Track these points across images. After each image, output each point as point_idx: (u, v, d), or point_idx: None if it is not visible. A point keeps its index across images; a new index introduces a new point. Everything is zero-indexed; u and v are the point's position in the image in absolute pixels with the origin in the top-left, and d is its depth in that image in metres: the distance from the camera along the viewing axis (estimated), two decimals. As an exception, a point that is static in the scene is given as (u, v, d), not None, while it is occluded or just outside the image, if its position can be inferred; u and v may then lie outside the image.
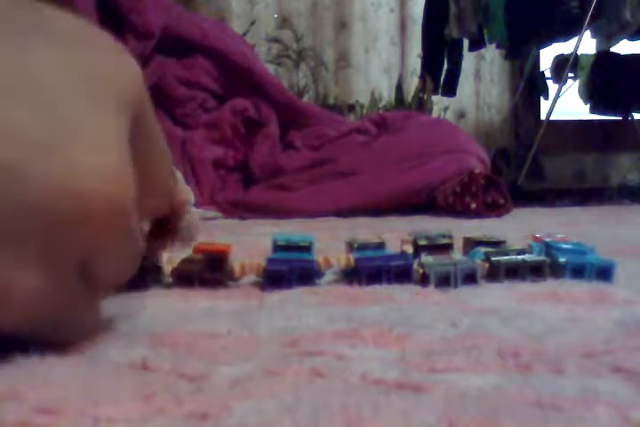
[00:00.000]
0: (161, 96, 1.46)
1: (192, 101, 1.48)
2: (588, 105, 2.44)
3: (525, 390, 0.20)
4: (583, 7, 2.13)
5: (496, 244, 0.45)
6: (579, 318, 0.30)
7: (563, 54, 2.42)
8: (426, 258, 0.42)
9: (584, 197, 1.91)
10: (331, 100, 2.46)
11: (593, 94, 2.38)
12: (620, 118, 2.52)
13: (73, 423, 0.17)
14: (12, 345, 0.24)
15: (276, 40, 2.49)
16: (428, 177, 1.32)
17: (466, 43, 2.49)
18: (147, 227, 0.38)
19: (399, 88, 2.47)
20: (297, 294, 0.37)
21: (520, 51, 2.40)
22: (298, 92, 2.35)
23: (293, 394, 0.19)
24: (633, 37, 2.29)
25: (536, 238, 0.48)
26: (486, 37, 2.38)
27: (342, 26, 2.66)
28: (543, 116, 2.47)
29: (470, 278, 0.40)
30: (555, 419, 0.17)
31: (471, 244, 0.46)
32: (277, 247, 0.44)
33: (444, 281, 0.39)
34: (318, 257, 0.42)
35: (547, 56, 2.59)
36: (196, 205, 1.32)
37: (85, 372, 0.22)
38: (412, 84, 2.59)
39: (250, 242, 0.69)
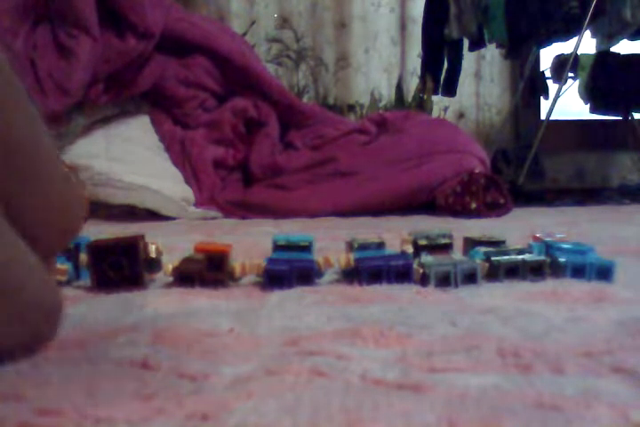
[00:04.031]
0: (161, 96, 1.46)
1: (192, 101, 1.48)
2: (588, 105, 2.44)
3: (525, 390, 0.20)
4: (583, 7, 2.13)
5: (496, 244, 0.45)
6: (579, 318, 0.30)
7: (563, 54, 2.41)
8: (426, 258, 0.42)
9: (584, 196, 1.91)
10: (331, 101, 2.45)
11: (593, 94, 2.37)
12: (620, 118, 2.52)
13: (74, 424, 0.17)
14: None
15: (276, 40, 2.49)
16: (428, 177, 1.32)
17: (466, 43, 2.49)
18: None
19: (399, 88, 2.46)
20: (297, 293, 0.37)
21: (520, 51, 2.40)
22: (298, 92, 2.35)
23: (293, 394, 0.19)
24: (633, 37, 2.28)
25: (536, 238, 0.48)
26: (486, 37, 2.38)
27: (342, 26, 2.66)
28: (543, 116, 2.47)
29: (470, 278, 0.40)
30: (555, 419, 0.17)
31: (471, 244, 0.46)
32: (277, 247, 0.44)
33: (444, 281, 0.39)
34: (318, 257, 0.42)
35: (547, 56, 2.58)
36: (196, 204, 1.32)
37: (86, 371, 0.22)
38: (412, 84, 2.58)
39: (250, 242, 0.69)
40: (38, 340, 0.23)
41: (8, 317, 0.21)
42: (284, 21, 2.58)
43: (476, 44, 2.46)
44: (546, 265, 0.41)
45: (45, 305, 0.24)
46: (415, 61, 2.68)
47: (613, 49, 2.38)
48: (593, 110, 2.45)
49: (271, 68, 2.30)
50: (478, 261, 0.41)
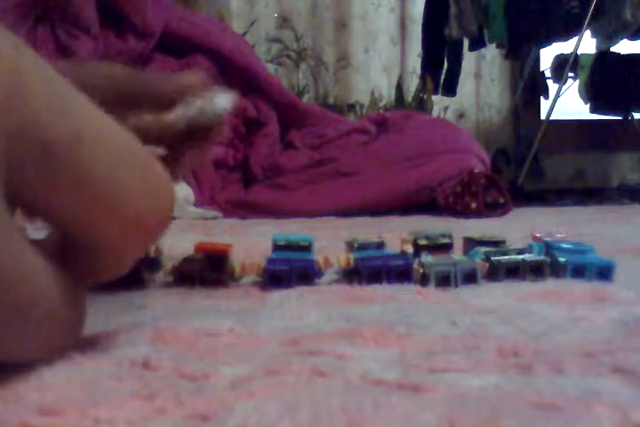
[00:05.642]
0: (161, 96, 1.46)
1: (192, 101, 1.48)
2: (588, 105, 2.44)
3: (525, 390, 0.20)
4: (583, 7, 2.13)
5: (496, 244, 0.45)
6: (579, 318, 0.30)
7: (563, 54, 2.41)
8: (426, 258, 0.42)
9: (584, 196, 1.91)
10: (331, 100, 2.45)
11: (593, 94, 2.37)
12: (620, 118, 2.52)
13: (74, 424, 0.17)
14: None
15: (276, 40, 2.49)
16: (428, 177, 1.32)
17: (466, 43, 2.49)
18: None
19: (399, 88, 2.47)
20: (297, 293, 0.37)
21: (520, 51, 2.40)
22: (298, 92, 2.35)
23: (294, 394, 0.19)
24: (633, 37, 2.29)
25: (536, 238, 0.48)
26: (486, 37, 2.38)
27: (342, 26, 2.65)
28: (543, 116, 2.47)
29: (470, 278, 0.40)
30: (555, 419, 0.17)
31: (471, 244, 0.46)
32: (277, 247, 0.44)
33: (444, 281, 0.39)
34: (318, 257, 0.42)
35: (547, 56, 2.58)
36: (197, 204, 1.32)
37: (87, 371, 0.22)
38: (412, 83, 2.59)
39: (250, 242, 0.69)
40: (53, 354, 0.23)
41: (21, 332, 0.21)
42: (284, 21, 2.58)
43: (476, 44, 2.46)
44: (546, 265, 0.41)
45: (62, 320, 0.22)
46: (415, 61, 2.68)
47: (613, 49, 2.38)
48: (593, 110, 2.45)
49: (271, 68, 2.30)
50: (478, 260, 0.41)
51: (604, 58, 2.34)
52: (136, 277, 0.39)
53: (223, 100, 0.35)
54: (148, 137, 0.34)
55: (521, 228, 0.92)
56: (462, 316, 0.30)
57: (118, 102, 0.32)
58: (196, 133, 0.36)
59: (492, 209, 1.21)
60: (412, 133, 1.43)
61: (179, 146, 0.36)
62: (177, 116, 0.34)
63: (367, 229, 0.95)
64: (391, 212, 1.25)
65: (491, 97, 2.83)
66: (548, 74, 2.54)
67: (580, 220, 1.11)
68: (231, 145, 1.49)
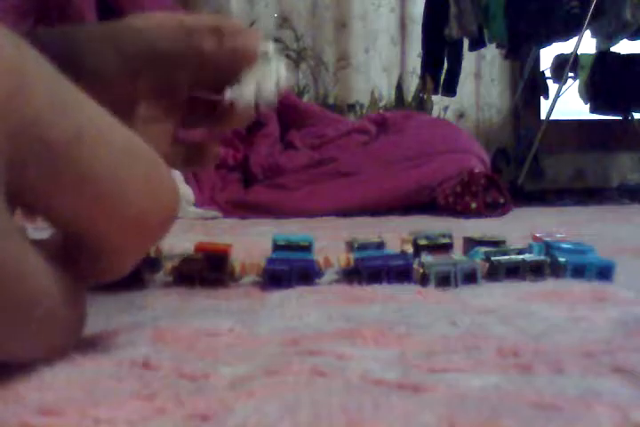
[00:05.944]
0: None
1: (192, 101, 1.48)
2: (588, 105, 2.44)
3: (525, 390, 0.20)
4: (583, 7, 2.13)
5: (496, 244, 0.45)
6: (579, 318, 0.30)
7: (563, 54, 2.41)
8: (426, 258, 0.42)
9: (584, 196, 1.91)
10: (331, 100, 2.45)
11: (593, 94, 2.37)
12: (620, 118, 2.52)
13: (74, 424, 0.17)
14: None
15: (276, 40, 2.49)
16: (428, 177, 1.32)
17: (466, 43, 2.49)
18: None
19: (399, 88, 2.47)
20: (297, 293, 0.37)
21: (520, 51, 2.40)
22: (298, 92, 2.35)
23: (294, 394, 0.19)
24: (633, 37, 2.29)
25: (536, 238, 0.48)
26: (486, 37, 2.38)
27: (342, 26, 2.65)
28: (543, 116, 2.47)
29: (470, 278, 0.40)
30: (555, 419, 0.17)
31: (471, 244, 0.46)
32: (277, 247, 0.44)
33: (444, 281, 0.39)
34: (318, 257, 0.42)
35: (547, 56, 2.58)
36: (197, 204, 1.32)
37: (87, 371, 0.22)
38: (412, 83, 2.59)
39: (250, 242, 0.69)
40: (53, 354, 0.23)
41: (21, 332, 0.21)
42: (284, 21, 2.58)
43: (476, 44, 2.46)
44: (546, 265, 0.41)
45: (63, 319, 0.22)
46: (415, 61, 2.68)
47: (613, 49, 2.38)
48: (593, 110, 2.45)
49: (271, 68, 2.29)
50: (478, 260, 0.41)
51: (604, 58, 2.34)
52: (136, 278, 0.39)
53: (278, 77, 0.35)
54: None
55: (521, 228, 0.92)
56: (462, 316, 0.30)
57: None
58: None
59: (492, 209, 1.21)
60: (412, 133, 1.43)
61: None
62: (234, 94, 0.35)
63: (367, 229, 0.95)
64: (391, 212, 1.25)
65: (491, 97, 2.83)
66: (548, 74, 2.54)
67: (580, 220, 1.11)
68: (231, 145, 1.49)
